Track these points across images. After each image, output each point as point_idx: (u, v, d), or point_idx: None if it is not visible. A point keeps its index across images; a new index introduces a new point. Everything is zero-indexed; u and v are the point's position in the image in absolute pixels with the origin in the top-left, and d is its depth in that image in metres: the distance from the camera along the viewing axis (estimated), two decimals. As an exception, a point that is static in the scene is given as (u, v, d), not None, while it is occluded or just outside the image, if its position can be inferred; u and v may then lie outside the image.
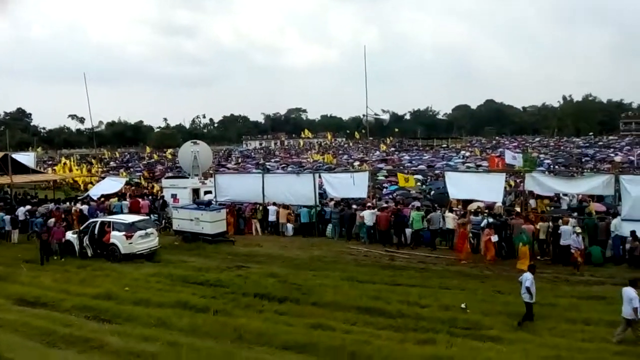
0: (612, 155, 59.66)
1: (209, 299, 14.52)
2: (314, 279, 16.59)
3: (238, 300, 14.34)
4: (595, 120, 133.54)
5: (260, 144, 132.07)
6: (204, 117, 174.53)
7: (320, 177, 25.99)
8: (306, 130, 69.90)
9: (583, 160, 55.75)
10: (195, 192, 27.56)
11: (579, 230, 17.76)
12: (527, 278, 12.19)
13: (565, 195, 25.77)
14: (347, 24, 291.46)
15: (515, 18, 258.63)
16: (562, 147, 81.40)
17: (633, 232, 17.35)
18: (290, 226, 24.27)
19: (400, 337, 11.36)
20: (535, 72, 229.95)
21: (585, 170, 39.87)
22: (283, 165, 58.67)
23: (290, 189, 25.06)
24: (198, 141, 31.28)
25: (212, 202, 24.93)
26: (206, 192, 27.44)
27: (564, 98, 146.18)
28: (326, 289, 15.18)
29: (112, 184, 31.13)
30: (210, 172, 31.85)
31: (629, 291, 10.93)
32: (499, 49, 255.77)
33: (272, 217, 24.53)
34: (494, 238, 18.49)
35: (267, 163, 62.11)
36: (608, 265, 17.83)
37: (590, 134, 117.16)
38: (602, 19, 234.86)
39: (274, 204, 24.76)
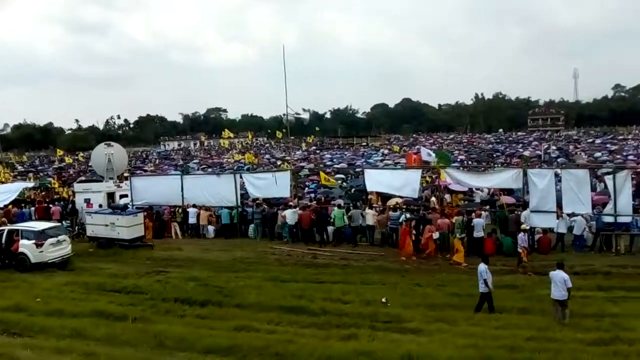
0: (520, 150, 62.86)
1: (127, 306, 14.00)
2: (237, 280, 16.43)
3: (158, 306, 13.93)
4: (505, 117, 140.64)
5: (179, 145, 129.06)
6: (119, 117, 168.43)
7: (241, 177, 25.76)
8: (226, 130, 68.95)
9: (494, 155, 58.39)
10: (110, 196, 26.52)
11: (526, 227, 18.45)
12: (482, 269, 12.69)
13: (478, 189, 26.96)
14: (266, 22, 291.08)
15: (430, 19, 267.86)
16: (474, 143, 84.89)
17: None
18: (211, 228, 23.90)
19: (324, 334, 11.44)
20: (450, 72, 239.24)
21: (496, 165, 41.77)
22: (203, 166, 57.70)
23: (211, 190, 24.69)
24: (112, 143, 30.06)
25: (129, 206, 24.09)
26: (122, 196, 26.48)
27: (476, 96, 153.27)
28: (249, 290, 15.07)
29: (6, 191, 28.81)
30: (126, 174, 30.79)
31: (561, 274, 11.75)
32: (416, 49, 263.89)
33: (192, 220, 24.06)
34: (435, 235, 19.02)
35: (188, 164, 60.85)
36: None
37: (500, 130, 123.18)
38: (513, 19, 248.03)
39: (194, 205, 24.30)
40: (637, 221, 19.20)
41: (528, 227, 18.47)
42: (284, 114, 29.53)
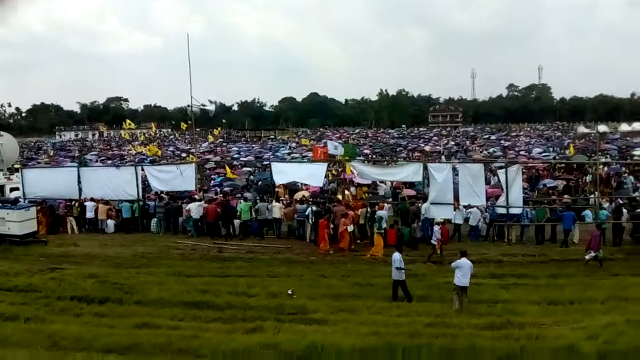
0: (422, 145, 65.16)
1: (18, 305, 13.07)
2: (138, 276, 15.84)
3: (52, 305, 13.13)
4: (408, 114, 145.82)
5: (76, 136, 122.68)
6: (9, 105, 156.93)
7: (143, 169, 24.86)
8: (128, 121, 66.07)
9: (397, 149, 60.19)
10: (0, 189, 24.73)
11: (440, 220, 19.01)
12: (397, 258, 13.03)
13: (382, 182, 27.70)
14: (171, 11, 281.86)
15: (336, 16, 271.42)
16: (379, 138, 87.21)
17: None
18: (110, 222, 22.88)
19: (229, 328, 11.30)
20: (356, 68, 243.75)
21: (399, 159, 43.11)
22: (102, 158, 55.17)
23: (110, 183, 23.61)
24: (2, 132, 28.01)
25: (20, 199, 22.55)
26: (12, 189, 24.77)
27: (381, 92, 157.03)
28: (151, 286, 14.57)
29: None
30: (17, 166, 28.81)
31: (469, 262, 12.38)
32: (323, 44, 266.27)
33: (90, 214, 22.87)
34: (350, 227, 19.20)
35: (85, 156, 57.89)
36: (419, 245, 19.55)
37: (403, 126, 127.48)
38: (414, 19, 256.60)
39: (92, 199, 23.14)
40: (527, 212, 20.55)
41: (442, 220, 19.23)
42: (188, 105, 28.69)
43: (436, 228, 18.08)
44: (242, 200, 22.15)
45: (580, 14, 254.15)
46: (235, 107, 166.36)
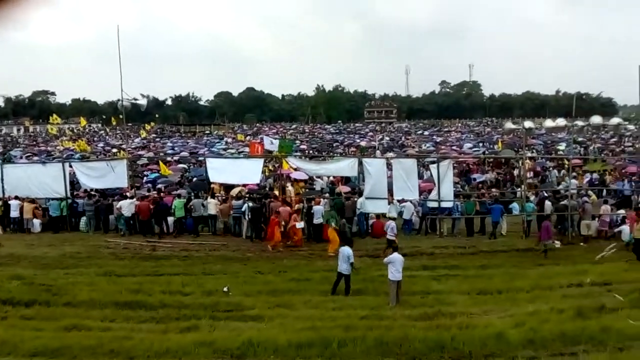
0: (358, 140, 66.04)
1: None
2: (67, 277, 15.25)
3: (-26, 309, 12.50)
4: (344, 109, 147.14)
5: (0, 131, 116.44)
6: None
7: (71, 166, 23.93)
8: (55, 115, 63.27)
9: (334, 145, 60.75)
10: None
11: (394, 215, 19.28)
12: (350, 252, 13.11)
13: (319, 177, 27.88)
14: (102, 0, 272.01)
15: (274, 8, 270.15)
16: (316, 133, 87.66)
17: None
18: (37, 222, 21.87)
19: (163, 327, 11.07)
20: (293, 62, 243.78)
21: (336, 155, 43.52)
22: (28, 155, 52.71)
23: (36, 181, 22.54)
24: None
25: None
26: None
27: (318, 88, 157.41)
28: (81, 287, 14.06)
29: None
30: None
31: (398, 256, 12.62)
32: (260, 37, 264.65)
33: (14, 213, 21.76)
34: (299, 225, 19.11)
35: (10, 152, 55.15)
36: (355, 238, 19.76)
37: (340, 121, 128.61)
38: (350, 14, 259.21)
39: (17, 197, 22.07)
40: (458, 206, 21.22)
41: (395, 216, 19.50)
42: (119, 99, 27.83)
43: (390, 222, 18.34)
44: (176, 197, 21.72)
45: (509, 12, 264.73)
46: (169, 102, 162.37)
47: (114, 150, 54.07)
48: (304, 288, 13.73)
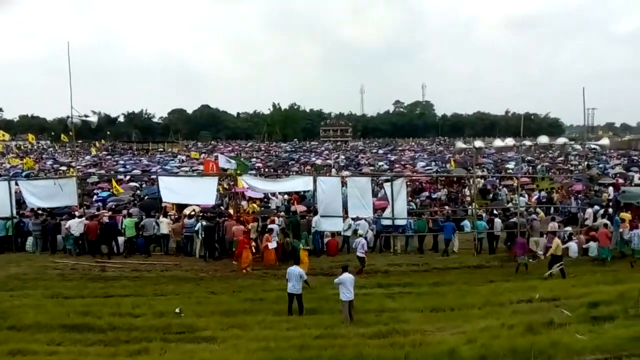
0: (313, 158, 66.31)
1: None
2: (12, 300, 14.64)
3: None
4: (300, 127, 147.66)
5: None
6: None
7: (17, 184, 23.12)
8: (1, 132, 61.02)
9: (289, 163, 60.78)
10: None
11: (362, 232, 19.45)
12: (301, 272, 13.13)
13: (274, 195, 27.81)
14: (53, 15, 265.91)
15: (230, 26, 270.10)
16: (271, 152, 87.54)
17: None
18: (-20, 242, 21.00)
19: (112, 351, 10.75)
20: (248, 80, 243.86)
21: (291, 173, 43.55)
22: (-30, 173, 50.70)
23: (-21, 200, 21.67)
24: None
25: None
26: None
27: (274, 106, 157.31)
28: (26, 309, 13.50)
29: None
30: None
31: (350, 276, 12.60)
32: (214, 54, 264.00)
33: (-44, 233, 20.88)
34: (271, 245, 18.82)
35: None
36: (310, 257, 19.74)
37: (295, 139, 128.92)
38: (306, 34, 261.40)
39: (-42, 217, 21.13)
40: (411, 224, 21.49)
41: (364, 233, 19.56)
42: (69, 116, 27.11)
43: (360, 239, 18.42)
44: (126, 216, 21.24)
45: (460, 35, 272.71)
46: (122, 119, 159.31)
47: (63, 168, 52.64)
48: (258, 308, 13.60)
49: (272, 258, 18.93)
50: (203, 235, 19.64)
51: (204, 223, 19.94)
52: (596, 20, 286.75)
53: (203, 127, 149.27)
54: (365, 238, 20.96)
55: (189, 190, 21.61)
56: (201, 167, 46.21)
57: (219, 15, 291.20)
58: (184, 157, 69.73)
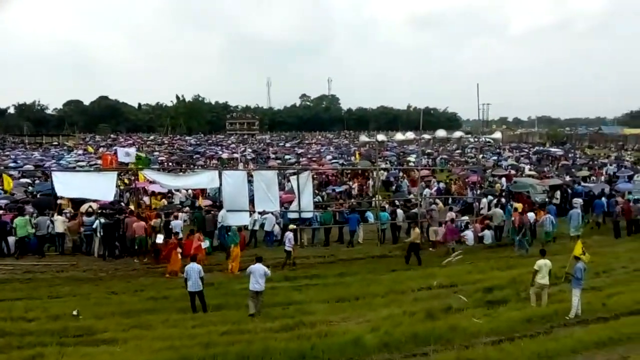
0: (220, 152, 65.25)
1: None
2: None
3: None
4: (205, 120, 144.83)
5: None
6: None
7: None
8: None
9: (194, 157, 59.46)
10: None
11: (293, 227, 19.22)
12: (198, 268, 12.84)
13: (178, 190, 27.10)
14: None
15: (129, 15, 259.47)
16: (175, 145, 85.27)
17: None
18: None
19: (4, 358, 10.07)
20: (150, 70, 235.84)
21: (196, 167, 42.69)
22: None
23: None
24: None
25: None
26: None
27: (177, 98, 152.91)
28: None
29: None
30: None
31: (262, 267, 12.75)
32: (113, 43, 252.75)
33: None
34: (204, 244, 18.21)
35: None
36: (215, 253, 19.51)
37: (201, 133, 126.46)
38: (211, 25, 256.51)
39: None
40: (317, 216, 21.75)
41: (295, 227, 19.55)
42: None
43: (288, 233, 18.39)
44: (17, 215, 19.86)
45: (364, 30, 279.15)
46: (12, 110, 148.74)
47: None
48: (161, 307, 13.28)
49: (203, 257, 17.96)
50: (102, 233, 18.76)
51: (103, 220, 19.04)
52: (492, 21, 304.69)
53: (102, 120, 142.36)
54: (272, 232, 21.08)
55: (86, 186, 20.41)
56: (99, 162, 44.22)
57: (118, 3, 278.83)
58: (80, 151, 66.33)
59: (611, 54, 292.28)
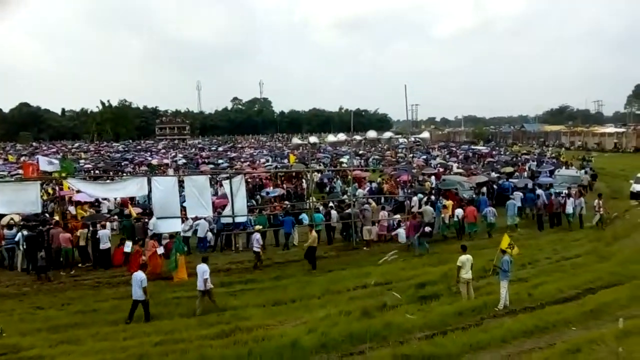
0: (149, 158, 63.56)
1: None
2: None
3: None
4: (133, 125, 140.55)
5: None
6: None
7: None
8: None
9: (122, 164, 57.63)
10: None
11: (259, 227, 19.28)
12: (142, 277, 12.57)
13: (105, 199, 26.18)
14: None
15: (46, 19, 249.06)
16: (102, 152, 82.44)
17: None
18: None
19: None
20: (73, 76, 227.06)
21: (124, 174, 41.40)
22: None
23: None
24: None
25: None
26: None
27: (103, 103, 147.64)
28: None
29: None
30: None
31: (203, 266, 13.14)
32: (32, 50, 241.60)
33: None
34: (159, 250, 17.69)
35: None
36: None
37: (129, 139, 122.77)
38: (136, 26, 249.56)
39: None
40: (251, 220, 21.58)
41: (261, 227, 19.62)
42: None
43: (255, 235, 18.43)
44: None
45: (294, 34, 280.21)
46: None
47: None
48: (91, 320, 12.79)
49: (158, 264, 17.77)
50: (25, 247, 17.86)
51: (26, 233, 18.15)
52: (418, 23, 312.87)
53: (22, 127, 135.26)
54: (205, 237, 20.76)
55: (7, 198, 19.31)
56: (21, 172, 42.10)
57: (37, 6, 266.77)
58: (0, 161, 62.95)
59: (531, 55, 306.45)
